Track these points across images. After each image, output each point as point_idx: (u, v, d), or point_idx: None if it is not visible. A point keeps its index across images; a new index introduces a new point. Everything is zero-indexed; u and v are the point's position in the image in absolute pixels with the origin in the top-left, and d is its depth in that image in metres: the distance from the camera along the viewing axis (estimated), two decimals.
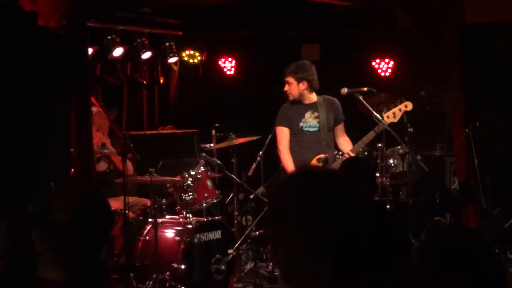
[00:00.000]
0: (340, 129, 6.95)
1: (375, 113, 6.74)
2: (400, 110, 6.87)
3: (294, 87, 6.76)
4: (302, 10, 9.24)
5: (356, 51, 10.07)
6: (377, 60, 10.27)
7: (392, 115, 6.81)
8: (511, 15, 8.18)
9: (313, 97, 6.84)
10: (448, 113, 8.85)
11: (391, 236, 4.09)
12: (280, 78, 6.95)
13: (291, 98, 6.82)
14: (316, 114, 6.78)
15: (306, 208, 1.84)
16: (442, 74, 8.59)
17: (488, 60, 8.61)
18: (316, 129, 6.77)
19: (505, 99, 8.90)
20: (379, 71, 10.28)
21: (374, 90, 6.99)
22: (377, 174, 7.50)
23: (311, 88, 6.80)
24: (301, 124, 6.77)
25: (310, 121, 6.76)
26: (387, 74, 10.24)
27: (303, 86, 6.75)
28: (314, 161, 6.66)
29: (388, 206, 7.36)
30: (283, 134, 6.77)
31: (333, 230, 1.82)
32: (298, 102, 6.81)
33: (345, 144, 6.87)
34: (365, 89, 6.89)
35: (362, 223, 1.87)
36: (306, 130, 6.77)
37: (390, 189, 7.57)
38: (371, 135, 6.65)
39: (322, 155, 6.69)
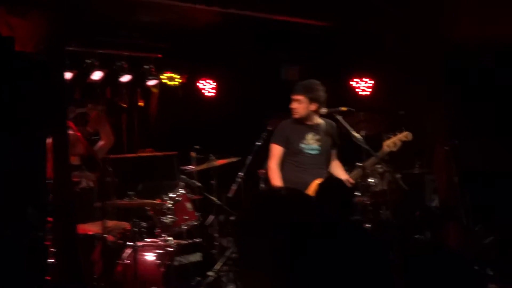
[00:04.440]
0: (334, 153, 6.95)
1: (354, 133, 6.77)
2: (400, 140, 6.86)
3: (303, 106, 6.69)
4: (281, 31, 9.29)
5: (335, 71, 10.12)
6: (357, 80, 10.33)
7: (392, 145, 6.79)
8: (495, 33, 8.28)
9: (317, 119, 6.81)
10: (428, 132, 8.90)
11: (367, 255, 4.11)
12: (259, 99, 6.97)
13: (297, 116, 6.73)
14: (318, 137, 6.75)
15: (269, 231, 1.86)
16: (422, 92, 8.66)
17: (470, 78, 8.69)
18: (317, 152, 6.73)
19: (485, 116, 8.97)
20: (358, 90, 10.33)
21: (353, 109, 7.03)
22: (357, 193, 7.52)
23: (319, 111, 6.77)
24: (302, 145, 6.71)
25: (311, 144, 6.72)
26: (367, 93, 10.29)
27: (313, 107, 6.70)
28: (314, 186, 6.62)
29: (368, 225, 7.38)
30: (276, 152, 6.70)
31: (297, 252, 1.84)
32: (301, 121, 6.77)
33: (337, 169, 6.89)
34: (344, 108, 6.92)
35: (328, 244, 1.88)
36: (307, 152, 6.73)
37: (371, 207, 7.59)
38: (374, 160, 6.69)
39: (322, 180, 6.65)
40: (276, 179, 6.60)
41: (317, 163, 6.75)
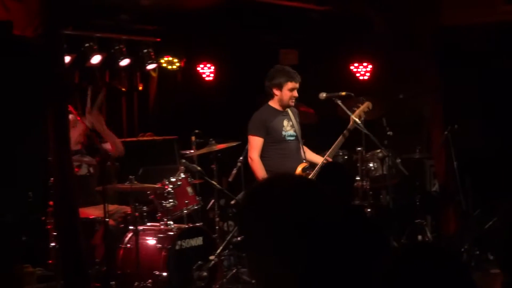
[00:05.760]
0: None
1: (355, 118, 6.78)
2: (363, 111, 6.93)
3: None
4: (280, 15, 9.27)
5: (334, 55, 10.12)
6: (355, 64, 10.32)
7: (358, 117, 6.84)
8: (488, 17, 8.27)
9: None
10: (426, 116, 8.91)
11: (368, 240, 4.13)
12: (257, 83, 6.96)
13: (293, 104, 6.82)
14: (291, 123, 6.80)
15: (273, 216, 1.87)
16: (420, 77, 8.67)
17: (465, 62, 8.69)
18: (294, 138, 6.80)
19: (483, 100, 8.98)
20: (358, 74, 10.32)
21: (352, 94, 7.03)
22: (357, 178, 7.55)
23: None
24: (283, 133, 6.75)
25: (288, 130, 6.78)
26: (366, 77, 10.29)
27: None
28: (299, 171, 6.67)
29: (368, 210, 7.41)
30: (257, 143, 6.70)
31: (300, 237, 1.85)
32: (274, 110, 6.79)
33: (310, 153, 6.95)
34: (343, 93, 6.94)
35: (330, 228, 1.89)
36: (288, 139, 6.77)
37: (371, 192, 7.62)
38: (341, 140, 6.72)
39: (306, 165, 6.71)
40: (261, 170, 6.62)
41: (297, 148, 6.83)
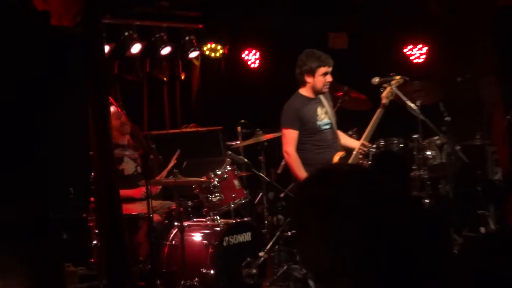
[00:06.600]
0: None
1: (410, 103, 6.68)
2: (395, 86, 6.78)
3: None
4: None
5: (387, 37, 9.99)
6: (410, 46, 10.18)
7: (389, 94, 6.71)
8: None
9: None
10: (485, 100, 8.76)
11: (427, 232, 4.04)
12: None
13: (327, 90, 6.72)
14: (324, 109, 6.71)
15: (332, 207, 1.87)
16: (480, 59, 8.51)
17: None
18: (329, 126, 6.71)
19: None
20: (412, 57, 10.19)
21: (407, 78, 6.92)
22: (414, 167, 7.44)
23: None
24: (318, 122, 6.66)
25: (323, 118, 6.68)
26: (421, 60, 10.14)
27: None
28: (336, 160, 6.60)
29: (426, 201, 7.30)
30: (292, 136, 6.62)
31: (360, 227, 1.84)
32: (306, 98, 6.69)
33: (346, 138, 6.93)
34: (398, 77, 6.82)
35: (390, 218, 1.86)
36: (323, 128, 6.69)
37: (429, 182, 7.49)
38: (375, 121, 6.60)
39: (343, 153, 6.63)
40: (298, 165, 6.54)
41: (333, 137, 6.74)
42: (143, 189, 6.91)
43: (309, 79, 6.65)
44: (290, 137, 6.62)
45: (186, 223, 6.67)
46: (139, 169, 7.20)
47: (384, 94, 6.71)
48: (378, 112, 6.65)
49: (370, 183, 1.90)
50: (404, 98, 6.75)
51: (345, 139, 6.92)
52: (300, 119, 6.62)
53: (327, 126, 6.70)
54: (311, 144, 6.65)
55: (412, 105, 6.69)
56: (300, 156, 6.59)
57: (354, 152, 6.59)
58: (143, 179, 7.08)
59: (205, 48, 10.19)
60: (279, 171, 7.77)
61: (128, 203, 6.69)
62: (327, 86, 6.67)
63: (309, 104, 6.66)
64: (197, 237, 6.67)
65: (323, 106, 6.70)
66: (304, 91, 6.72)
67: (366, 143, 6.59)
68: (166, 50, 9.39)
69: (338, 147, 6.72)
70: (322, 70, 6.60)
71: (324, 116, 6.68)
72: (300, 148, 6.63)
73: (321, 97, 6.73)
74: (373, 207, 1.85)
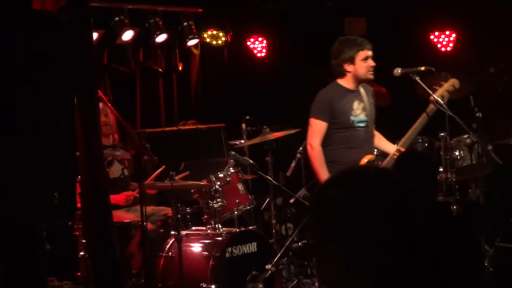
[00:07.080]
0: None
1: (436, 97, 6.68)
2: (447, 90, 6.78)
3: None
4: None
5: (411, 23, 10.00)
6: (436, 33, 10.20)
7: (440, 98, 6.71)
8: None
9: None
10: None
11: (455, 242, 4.06)
12: (320, 59, 6.89)
13: (373, 77, 6.73)
14: (362, 105, 6.65)
15: (352, 213, 1.88)
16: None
17: None
18: (365, 124, 6.65)
19: None
20: (439, 45, 10.20)
21: (433, 69, 6.92)
22: (441, 169, 7.45)
23: None
24: (352, 118, 6.58)
25: (359, 114, 6.61)
26: (448, 49, 10.16)
27: None
28: (364, 162, 6.57)
29: (454, 207, 7.31)
30: (320, 128, 6.56)
31: (383, 236, 1.85)
32: (344, 88, 6.63)
33: (383, 141, 6.87)
34: (423, 68, 6.82)
35: (416, 227, 1.87)
36: (357, 125, 6.64)
37: (457, 186, 7.52)
38: (418, 127, 6.59)
39: (372, 157, 6.59)
40: (320, 161, 6.50)
41: (367, 137, 6.67)
42: (128, 194, 6.94)
43: (349, 68, 6.60)
44: (317, 128, 6.58)
45: (184, 232, 6.69)
46: (126, 171, 7.22)
47: (437, 94, 6.67)
48: (423, 117, 6.63)
49: (399, 190, 1.92)
50: (430, 91, 6.75)
51: (381, 142, 6.86)
52: (332, 112, 6.56)
53: (362, 124, 6.62)
54: (339, 140, 6.57)
55: (439, 99, 6.68)
56: (325, 153, 6.55)
57: (388, 158, 6.55)
58: (131, 182, 7.10)
59: (205, 35, 10.21)
60: (288, 173, 7.79)
61: (115, 210, 6.71)
62: (371, 72, 6.61)
63: (347, 96, 6.61)
64: (196, 247, 6.69)
65: (361, 101, 6.63)
66: (344, 82, 6.65)
67: (402, 149, 6.55)
68: (161, 38, 9.41)
69: (369, 150, 6.64)
70: (362, 54, 6.57)
71: (360, 112, 6.61)
72: (326, 143, 6.57)
73: (362, 91, 6.67)
74: (401, 219, 1.87)
